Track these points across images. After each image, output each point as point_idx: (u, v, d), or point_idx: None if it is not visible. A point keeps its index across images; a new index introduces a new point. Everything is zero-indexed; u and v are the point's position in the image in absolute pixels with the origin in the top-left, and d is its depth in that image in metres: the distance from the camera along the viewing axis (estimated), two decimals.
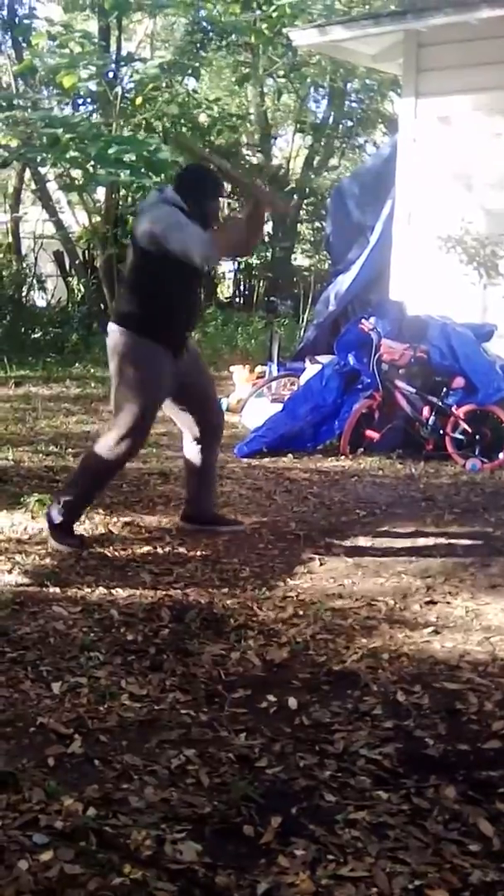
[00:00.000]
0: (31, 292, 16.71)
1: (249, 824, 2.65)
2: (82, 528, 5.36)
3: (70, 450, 7.50)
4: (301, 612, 4.24)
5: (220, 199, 5.28)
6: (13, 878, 2.38)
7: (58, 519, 5.08)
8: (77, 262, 16.93)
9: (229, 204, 17.65)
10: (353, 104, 22.37)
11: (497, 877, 2.44)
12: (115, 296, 5.34)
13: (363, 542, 5.38)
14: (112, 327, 5.05)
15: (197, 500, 5.49)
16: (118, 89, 13.83)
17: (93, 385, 11.38)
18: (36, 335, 14.82)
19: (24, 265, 16.74)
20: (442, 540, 5.40)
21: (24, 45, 15.09)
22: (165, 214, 4.82)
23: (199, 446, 5.31)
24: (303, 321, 14.46)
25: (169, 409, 5.27)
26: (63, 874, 2.41)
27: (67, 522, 5.12)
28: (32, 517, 5.53)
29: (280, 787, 2.86)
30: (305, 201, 22.22)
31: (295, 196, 21.35)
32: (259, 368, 10.13)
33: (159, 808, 2.72)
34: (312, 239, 22.94)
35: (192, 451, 5.35)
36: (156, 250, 4.80)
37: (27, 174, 16.73)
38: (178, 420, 5.35)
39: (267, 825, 2.65)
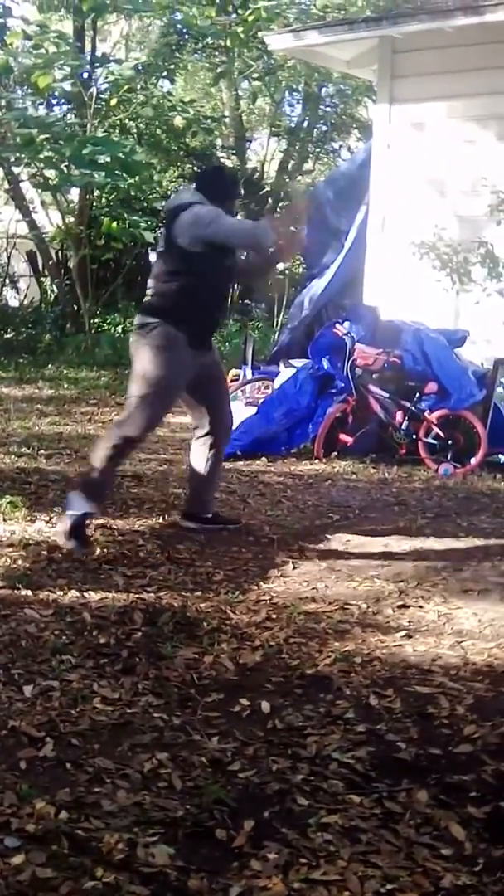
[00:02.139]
0: (4, 292, 16.64)
1: (222, 828, 2.65)
2: (53, 530, 5.34)
3: (42, 451, 7.47)
4: (274, 616, 4.25)
5: (238, 197, 5.47)
6: None
7: (82, 510, 5.04)
8: (50, 262, 16.89)
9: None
10: (328, 109, 22.43)
11: (469, 880, 2.45)
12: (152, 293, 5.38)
13: (336, 545, 5.40)
14: (139, 318, 5.24)
15: (199, 499, 5.58)
16: (93, 90, 13.81)
17: (66, 386, 11.35)
18: (8, 335, 14.77)
19: None
20: (415, 544, 5.43)
21: None
22: (209, 211, 4.99)
23: (207, 446, 5.42)
24: (277, 325, 14.49)
25: (186, 401, 5.45)
26: (35, 878, 2.39)
27: (82, 523, 5.08)
28: (4, 519, 5.50)
29: (253, 791, 2.85)
30: (280, 205, 22.24)
31: (269, 200, 21.39)
32: (233, 371, 10.13)
33: (132, 811, 2.71)
34: None
35: (200, 450, 5.45)
36: (200, 249, 4.98)
37: (0, 173, 16.66)
38: (191, 414, 5.55)
39: (239, 829, 2.65)
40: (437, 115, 8.78)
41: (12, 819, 2.63)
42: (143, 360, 5.10)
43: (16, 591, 4.40)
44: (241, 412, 8.30)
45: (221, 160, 20.94)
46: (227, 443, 5.67)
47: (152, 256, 5.30)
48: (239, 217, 4.99)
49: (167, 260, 5.15)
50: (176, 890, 2.39)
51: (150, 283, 5.28)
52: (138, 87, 14.87)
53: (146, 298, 5.27)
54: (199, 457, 5.46)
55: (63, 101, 15.65)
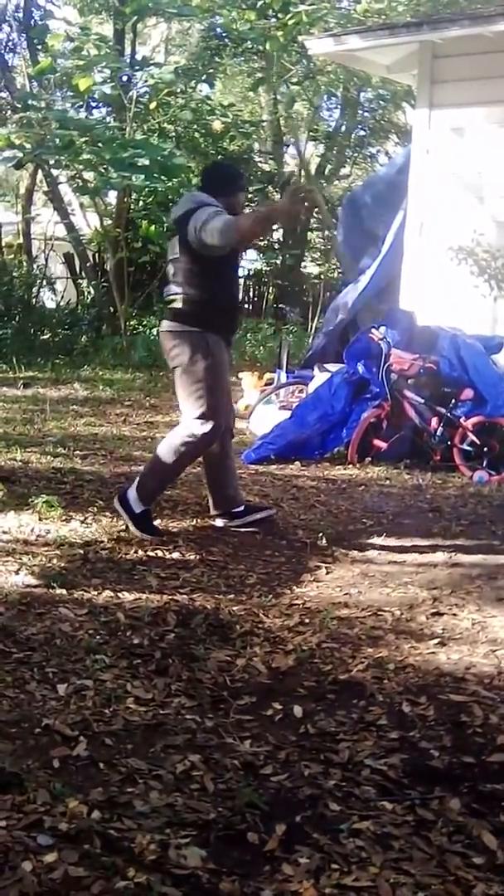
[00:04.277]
0: (41, 294, 16.75)
1: (254, 831, 2.65)
2: (88, 530, 5.38)
3: (78, 452, 7.51)
4: (307, 621, 4.24)
5: (244, 191, 5.51)
6: (17, 879, 2.38)
7: (138, 508, 5.34)
8: (87, 264, 16.98)
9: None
10: (366, 114, 22.41)
11: (501, 890, 2.44)
12: (166, 299, 5.45)
13: (370, 551, 5.38)
14: (174, 326, 5.30)
15: (224, 496, 5.65)
16: (132, 93, 13.86)
17: (101, 387, 11.39)
18: (45, 336, 14.86)
19: (35, 266, 16.77)
20: (449, 551, 5.40)
21: (39, 47, 15.14)
22: (196, 219, 5.09)
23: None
24: (312, 329, 14.48)
25: None
26: (67, 876, 2.40)
27: (147, 512, 5.38)
28: (40, 518, 5.53)
29: (285, 795, 2.85)
30: (316, 209, 22.23)
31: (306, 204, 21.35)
32: (268, 375, 10.14)
33: (164, 812, 2.71)
34: (322, 247, 22.96)
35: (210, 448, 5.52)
36: (206, 251, 5.10)
37: (39, 175, 16.78)
38: None
39: (271, 833, 2.65)
40: (476, 120, 8.74)
41: (45, 817, 2.64)
42: (195, 370, 5.23)
43: (51, 590, 4.43)
44: (275, 416, 8.32)
45: (258, 164, 20.98)
46: (233, 436, 5.74)
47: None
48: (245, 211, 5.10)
49: (188, 265, 5.21)
50: (207, 892, 2.39)
51: (175, 290, 5.30)
52: (178, 90, 14.91)
53: (176, 305, 5.28)
54: (213, 453, 5.55)
55: (103, 104, 15.72)
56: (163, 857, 2.50)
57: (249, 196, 21.37)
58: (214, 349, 5.23)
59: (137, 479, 5.50)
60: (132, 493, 5.40)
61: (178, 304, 5.28)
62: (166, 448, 5.38)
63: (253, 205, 21.05)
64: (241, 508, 5.68)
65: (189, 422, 5.32)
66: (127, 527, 5.37)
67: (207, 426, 5.26)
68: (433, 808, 2.80)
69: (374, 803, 2.82)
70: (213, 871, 2.46)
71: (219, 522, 5.65)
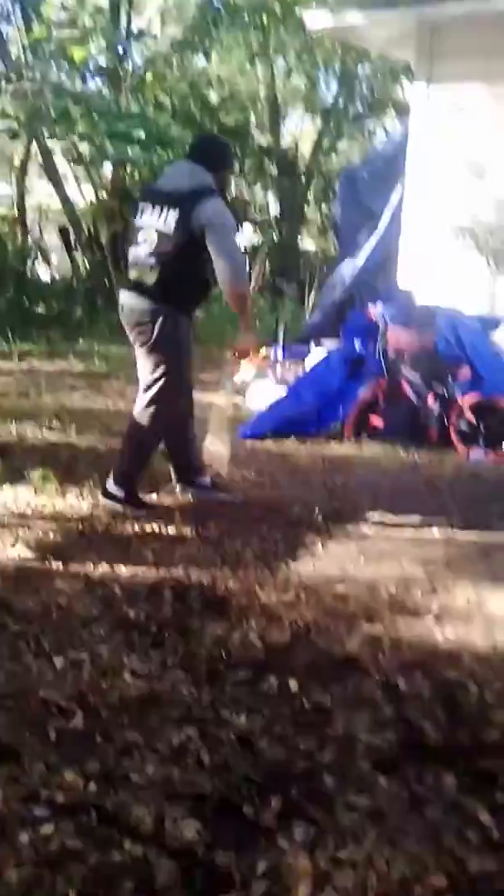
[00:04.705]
0: (36, 266, 16.66)
1: (249, 804, 2.66)
2: (84, 504, 5.38)
3: (73, 425, 7.49)
4: (303, 596, 4.25)
5: (231, 169, 5.48)
6: (14, 850, 2.40)
7: (120, 493, 5.35)
8: (82, 236, 16.88)
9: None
10: (364, 88, 22.26)
11: (495, 866, 2.46)
12: (131, 268, 5.33)
13: (365, 528, 5.38)
14: (145, 303, 5.17)
15: (189, 464, 5.66)
16: (128, 65, 13.76)
17: (96, 361, 11.35)
18: (40, 309, 14.78)
19: (29, 239, 16.67)
20: (444, 529, 5.40)
21: (34, 16, 15.00)
22: (229, 215, 5.09)
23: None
24: (309, 305, 14.43)
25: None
26: (64, 848, 2.42)
27: (131, 490, 5.38)
28: (35, 492, 5.53)
29: (280, 769, 2.87)
30: (313, 184, 22.14)
31: (303, 178, 21.29)
32: (264, 351, 10.11)
33: (160, 785, 2.73)
34: (319, 223, 22.87)
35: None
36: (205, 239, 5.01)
37: (34, 147, 16.65)
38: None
39: (267, 806, 2.66)
40: (475, 96, 8.70)
41: (42, 789, 2.66)
42: (175, 351, 5.21)
43: (47, 564, 4.43)
44: (271, 392, 8.30)
45: (255, 137, 20.86)
46: (192, 414, 5.65)
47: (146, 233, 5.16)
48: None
49: (178, 244, 5.04)
50: (203, 865, 2.40)
51: (153, 262, 5.11)
52: (174, 62, 14.81)
53: (147, 279, 5.12)
54: (174, 428, 5.53)
55: (98, 75, 15.60)
56: (158, 830, 2.52)
57: (245, 170, 21.32)
58: (182, 328, 5.18)
59: (118, 466, 5.47)
60: (111, 482, 5.38)
61: (151, 280, 5.13)
62: (134, 429, 5.36)
63: (248, 179, 21.02)
64: (207, 482, 5.67)
65: (146, 400, 5.28)
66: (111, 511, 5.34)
67: (161, 406, 5.24)
68: (428, 784, 2.82)
69: (370, 778, 2.84)
70: (209, 844, 2.48)
71: (178, 490, 5.64)
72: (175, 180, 5.20)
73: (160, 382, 5.21)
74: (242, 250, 5.05)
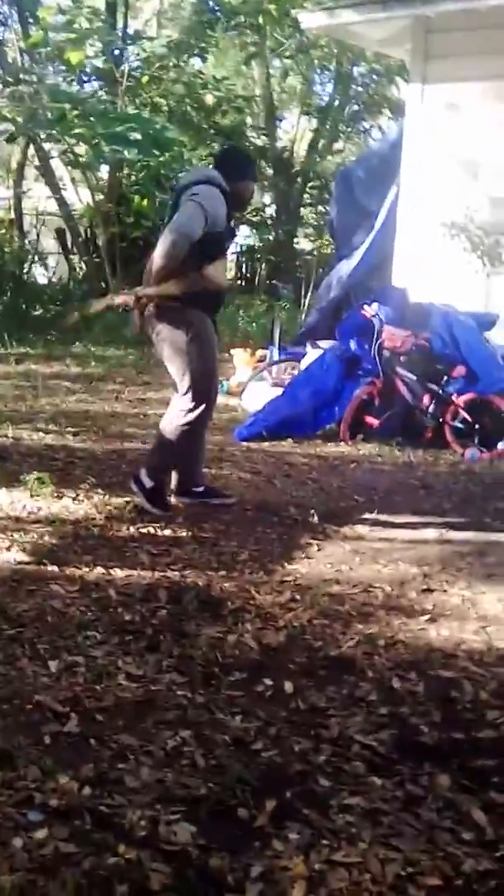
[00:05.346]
0: (33, 269, 16.67)
1: (244, 807, 2.66)
2: (80, 507, 5.38)
3: (70, 428, 7.50)
4: (298, 597, 4.25)
5: (254, 181, 5.45)
6: (8, 855, 2.39)
7: (149, 483, 5.35)
8: (79, 239, 16.89)
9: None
10: (360, 88, 22.28)
11: (490, 866, 2.45)
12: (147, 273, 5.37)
13: (361, 528, 5.39)
14: (176, 308, 5.18)
15: (189, 472, 5.60)
16: (124, 67, 13.76)
17: (93, 364, 11.37)
18: (37, 312, 14.80)
19: (26, 242, 16.68)
20: (440, 528, 5.41)
21: (31, 20, 15.02)
22: (210, 197, 5.04)
23: None
24: (304, 305, 14.43)
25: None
26: (57, 852, 2.41)
27: (158, 488, 5.38)
28: (31, 495, 5.53)
29: (275, 771, 2.86)
30: (309, 185, 22.15)
31: (299, 179, 21.29)
32: (260, 352, 10.12)
33: (154, 788, 2.72)
34: (315, 223, 22.87)
35: None
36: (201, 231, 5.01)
37: (31, 150, 16.66)
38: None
39: (261, 808, 2.65)
40: (469, 95, 8.70)
41: (35, 793, 2.65)
42: (187, 348, 5.19)
43: (42, 567, 4.43)
44: (267, 393, 8.31)
45: (251, 139, 20.86)
46: (210, 417, 5.67)
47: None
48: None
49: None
50: (197, 868, 2.40)
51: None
52: (170, 64, 14.81)
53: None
54: None
55: (94, 77, 15.60)
56: (153, 833, 2.51)
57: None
58: (198, 325, 5.17)
59: (147, 458, 5.52)
60: (143, 471, 5.41)
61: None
62: (167, 426, 5.37)
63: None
64: (202, 489, 5.66)
65: (179, 397, 5.31)
66: (137, 505, 5.36)
67: (195, 402, 5.24)
68: (423, 784, 2.81)
69: (364, 779, 2.83)
70: (203, 847, 2.47)
71: (173, 498, 5.61)
72: (184, 178, 5.31)
73: (187, 377, 5.21)
74: (195, 223, 4.96)
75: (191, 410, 5.26)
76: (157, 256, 5.05)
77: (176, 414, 5.32)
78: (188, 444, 5.43)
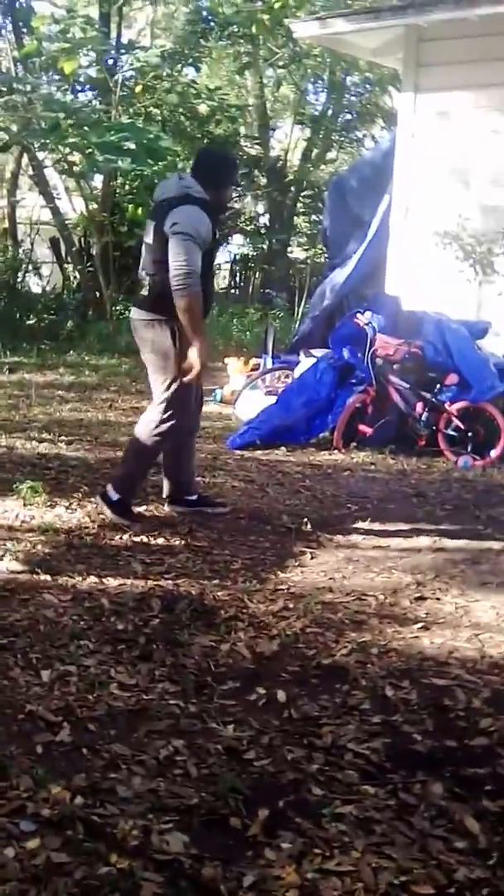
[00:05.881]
0: (27, 278, 16.67)
1: (236, 816, 2.66)
2: (73, 516, 5.38)
3: (63, 437, 7.49)
4: (291, 606, 4.25)
5: (235, 185, 5.43)
6: (0, 865, 2.38)
7: (115, 496, 5.33)
8: (73, 248, 16.90)
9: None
10: (353, 98, 22.35)
11: (483, 874, 2.45)
12: (139, 283, 5.38)
13: (354, 536, 5.39)
14: (143, 314, 5.24)
15: (178, 482, 5.60)
16: (118, 77, 13.78)
17: (87, 373, 11.36)
18: (31, 321, 14.79)
19: (20, 251, 16.69)
20: (433, 536, 5.41)
21: (25, 29, 15.04)
22: (194, 221, 4.97)
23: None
24: (298, 314, 14.44)
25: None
26: (49, 862, 2.41)
27: (124, 501, 5.36)
28: (24, 504, 5.52)
29: (267, 780, 2.86)
30: (302, 194, 22.19)
31: (292, 188, 21.33)
32: (253, 360, 10.13)
33: (147, 798, 2.72)
34: (309, 232, 22.93)
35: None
36: None
37: (25, 159, 16.68)
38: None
39: (254, 817, 2.65)
40: (462, 104, 8.72)
41: (28, 803, 2.65)
42: (167, 361, 5.18)
43: (35, 576, 4.43)
44: (260, 401, 8.31)
45: (245, 148, 20.91)
46: (198, 427, 5.71)
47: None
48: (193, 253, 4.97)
49: (160, 252, 5.05)
50: (189, 878, 2.40)
51: (145, 275, 5.24)
52: (163, 74, 14.83)
53: (144, 292, 5.24)
54: (174, 443, 5.49)
55: (88, 87, 15.62)
56: (145, 843, 2.51)
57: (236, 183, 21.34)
58: (184, 337, 5.11)
59: (118, 469, 5.51)
60: (110, 486, 5.42)
61: (146, 292, 5.23)
62: (139, 436, 5.37)
63: (238, 189, 21.02)
64: (195, 498, 5.65)
65: (154, 407, 5.29)
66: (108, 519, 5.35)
67: (168, 413, 5.22)
68: (415, 793, 2.81)
69: (357, 787, 2.83)
70: (196, 857, 2.47)
71: (167, 508, 5.62)
72: (163, 191, 5.28)
73: (167, 392, 5.21)
74: (192, 259, 4.94)
75: (164, 421, 5.23)
76: (182, 311, 4.99)
77: (148, 423, 5.31)
78: (153, 454, 5.43)
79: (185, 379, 5.10)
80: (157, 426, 5.26)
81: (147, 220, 5.36)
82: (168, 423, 5.24)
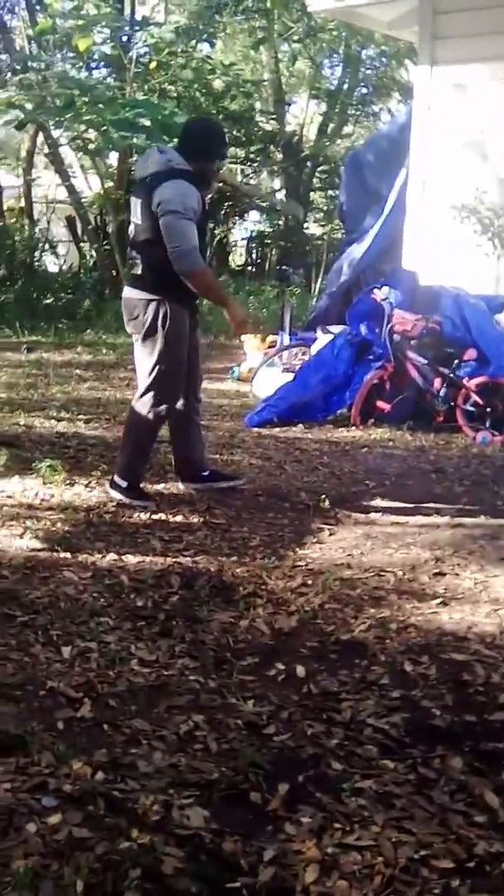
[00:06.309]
0: (43, 257, 16.67)
1: (257, 791, 2.67)
2: (92, 494, 5.39)
3: (81, 416, 7.51)
4: (310, 582, 4.25)
5: (221, 159, 5.38)
6: (22, 841, 2.40)
7: (123, 483, 5.32)
8: (89, 227, 16.88)
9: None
10: (368, 71, 22.18)
11: (502, 848, 2.45)
12: (127, 262, 5.38)
13: (373, 512, 5.39)
14: (134, 293, 5.19)
15: (189, 460, 5.61)
16: (132, 53, 13.72)
17: (104, 351, 11.38)
18: (48, 301, 14.80)
19: (37, 230, 16.68)
20: (451, 512, 5.40)
21: (38, 7, 14.98)
22: (181, 196, 4.93)
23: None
24: (315, 290, 14.39)
25: None
26: (71, 837, 2.42)
27: (132, 485, 5.35)
28: (44, 483, 5.54)
29: (287, 755, 2.87)
30: (319, 169, 22.07)
31: (308, 163, 21.21)
32: (271, 337, 10.10)
33: (167, 773, 2.74)
34: (325, 207, 22.81)
35: (177, 414, 5.43)
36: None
37: (40, 138, 16.64)
38: None
39: (274, 792, 2.66)
40: (478, 76, 8.64)
41: (49, 779, 2.66)
42: (157, 340, 5.14)
43: (55, 554, 4.44)
44: (278, 378, 8.29)
45: (260, 123, 20.80)
46: (199, 405, 5.67)
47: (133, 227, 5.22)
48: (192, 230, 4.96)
49: (150, 230, 5.03)
50: (210, 852, 2.41)
51: (135, 254, 5.20)
52: (178, 50, 14.75)
53: (136, 271, 5.19)
54: (178, 420, 5.48)
55: (102, 64, 15.55)
56: (166, 818, 2.52)
57: (251, 156, 21.22)
58: (174, 317, 5.11)
59: (119, 459, 5.50)
60: (115, 476, 5.40)
61: (138, 271, 5.18)
62: (132, 425, 5.38)
63: (254, 165, 20.91)
64: (207, 473, 5.65)
65: (140, 396, 5.29)
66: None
67: (156, 400, 5.21)
68: (435, 767, 2.82)
69: (376, 762, 2.84)
70: (216, 832, 2.48)
71: (181, 486, 5.62)
72: (144, 166, 5.22)
73: (153, 374, 5.18)
74: (188, 237, 4.93)
75: (153, 406, 5.23)
76: (200, 289, 5.13)
77: (136, 413, 5.31)
78: (148, 437, 5.42)
79: (237, 332, 5.37)
80: (146, 412, 5.25)
81: (132, 198, 5.29)
82: (157, 409, 5.23)
